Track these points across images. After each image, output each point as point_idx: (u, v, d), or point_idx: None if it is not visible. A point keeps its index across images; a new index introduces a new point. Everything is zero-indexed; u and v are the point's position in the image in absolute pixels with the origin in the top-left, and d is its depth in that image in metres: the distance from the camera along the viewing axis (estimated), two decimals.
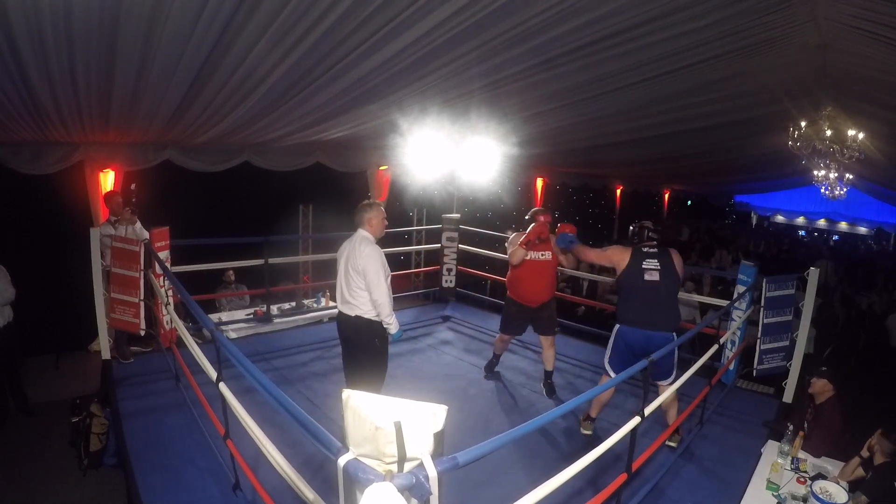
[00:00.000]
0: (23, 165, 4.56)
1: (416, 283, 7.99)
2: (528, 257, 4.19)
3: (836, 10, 3.60)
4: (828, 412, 3.51)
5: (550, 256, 4.22)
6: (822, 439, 3.41)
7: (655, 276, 3.41)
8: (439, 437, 1.38)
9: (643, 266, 3.43)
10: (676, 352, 3.43)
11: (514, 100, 4.92)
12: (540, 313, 4.29)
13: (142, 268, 4.24)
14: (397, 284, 4.59)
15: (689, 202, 18.37)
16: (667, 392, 3.26)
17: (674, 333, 3.45)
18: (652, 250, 3.49)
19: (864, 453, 2.98)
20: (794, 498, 2.86)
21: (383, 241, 3.80)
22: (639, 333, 3.45)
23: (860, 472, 2.99)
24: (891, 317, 6.70)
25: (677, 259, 3.51)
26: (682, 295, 6.40)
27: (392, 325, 3.32)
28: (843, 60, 4.56)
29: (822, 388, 3.56)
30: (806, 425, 3.54)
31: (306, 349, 5.05)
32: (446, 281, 6.62)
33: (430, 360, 5.04)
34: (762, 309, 4.37)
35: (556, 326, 4.43)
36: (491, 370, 4.68)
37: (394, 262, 5.39)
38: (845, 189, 10.16)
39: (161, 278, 4.21)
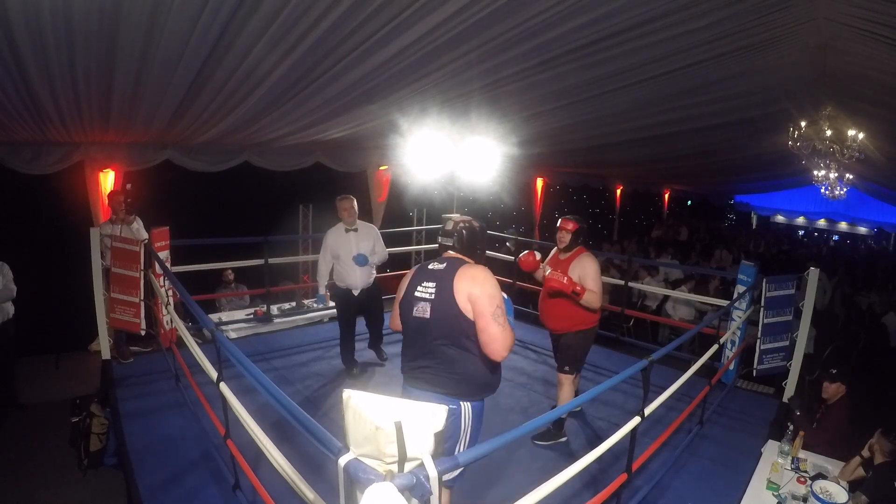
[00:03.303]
0: (23, 165, 4.57)
1: None
2: (545, 273, 3.51)
3: (836, 10, 3.60)
4: (837, 411, 3.54)
5: (565, 281, 3.28)
6: (830, 438, 3.42)
7: (426, 312, 2.22)
8: (439, 437, 1.38)
9: (415, 293, 2.27)
10: (464, 435, 2.27)
11: (514, 100, 4.92)
12: (559, 342, 3.63)
13: (142, 268, 4.25)
14: (398, 284, 4.60)
15: (689, 202, 18.37)
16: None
17: (465, 403, 2.23)
18: (437, 267, 2.28)
19: (865, 453, 2.98)
20: (795, 498, 2.85)
21: (385, 241, 4.63)
22: (408, 392, 2.32)
23: (860, 472, 2.99)
24: (888, 315, 6.70)
25: (471, 274, 2.20)
26: (679, 294, 6.51)
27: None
28: (843, 60, 4.56)
29: (835, 390, 3.58)
30: (815, 424, 3.56)
31: (306, 349, 5.05)
32: None
33: None
34: (762, 309, 4.37)
35: (568, 363, 3.53)
36: None
37: (394, 261, 5.41)
38: (845, 189, 10.15)
39: (161, 278, 4.21)
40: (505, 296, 2.38)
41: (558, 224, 3.56)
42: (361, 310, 4.49)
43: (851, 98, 5.60)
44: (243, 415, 2.28)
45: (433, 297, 2.22)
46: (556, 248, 3.66)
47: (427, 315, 2.22)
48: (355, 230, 4.33)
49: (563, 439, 3.60)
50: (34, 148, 4.59)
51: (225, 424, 2.63)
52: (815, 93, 5.62)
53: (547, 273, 3.45)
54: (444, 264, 2.28)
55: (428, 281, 2.26)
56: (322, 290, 4.48)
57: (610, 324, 6.51)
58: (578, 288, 3.28)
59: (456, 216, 2.50)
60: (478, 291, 2.16)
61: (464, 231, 2.36)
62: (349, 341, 4.50)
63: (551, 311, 3.55)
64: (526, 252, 3.61)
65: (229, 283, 6.43)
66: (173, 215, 5.19)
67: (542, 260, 3.69)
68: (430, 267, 2.32)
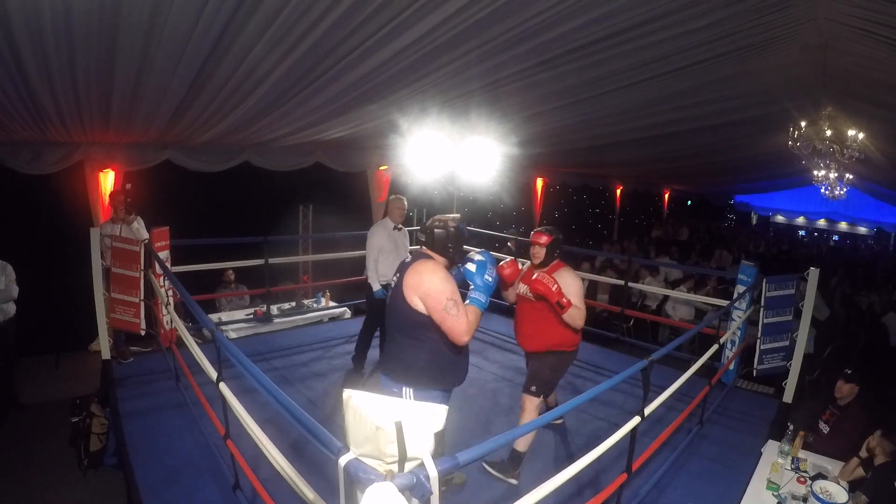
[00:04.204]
0: (23, 165, 4.57)
1: None
2: (518, 291, 3.26)
3: (836, 10, 3.61)
4: (853, 412, 3.53)
5: (554, 288, 2.94)
6: (844, 441, 3.40)
7: (389, 299, 2.48)
8: (440, 437, 1.38)
9: (391, 283, 2.55)
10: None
11: (514, 100, 4.92)
12: (528, 361, 3.34)
13: (142, 268, 4.25)
14: None
15: (689, 202, 18.38)
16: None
17: (408, 388, 2.36)
18: (408, 259, 2.49)
19: (864, 453, 2.98)
20: (795, 498, 2.86)
21: None
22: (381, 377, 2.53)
23: (860, 472, 2.99)
24: (888, 315, 6.70)
25: (417, 269, 2.33)
26: (679, 294, 6.51)
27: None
28: (843, 60, 4.56)
29: (850, 391, 3.58)
30: (827, 426, 3.56)
31: (306, 349, 5.05)
32: None
33: None
34: (762, 309, 4.37)
35: (536, 383, 3.13)
36: None
37: None
38: (845, 189, 10.15)
39: (161, 278, 4.21)
40: (480, 256, 2.40)
41: (530, 238, 3.19)
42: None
43: (851, 98, 5.60)
44: (243, 415, 2.28)
45: (394, 286, 2.44)
46: (530, 263, 3.28)
47: (389, 302, 2.47)
48: (399, 228, 4.53)
49: (514, 483, 3.04)
50: (34, 148, 4.59)
51: (225, 424, 2.63)
52: (814, 93, 5.63)
53: (520, 291, 3.21)
54: (411, 258, 2.47)
55: (400, 272, 2.46)
56: (377, 286, 4.35)
57: (610, 324, 6.51)
58: (565, 300, 2.91)
59: (441, 216, 2.55)
60: (425, 288, 2.28)
61: (435, 230, 2.47)
62: (370, 340, 4.55)
63: (528, 329, 3.19)
64: (509, 260, 3.18)
65: (230, 283, 6.43)
66: (173, 215, 5.19)
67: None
68: (406, 260, 2.51)
